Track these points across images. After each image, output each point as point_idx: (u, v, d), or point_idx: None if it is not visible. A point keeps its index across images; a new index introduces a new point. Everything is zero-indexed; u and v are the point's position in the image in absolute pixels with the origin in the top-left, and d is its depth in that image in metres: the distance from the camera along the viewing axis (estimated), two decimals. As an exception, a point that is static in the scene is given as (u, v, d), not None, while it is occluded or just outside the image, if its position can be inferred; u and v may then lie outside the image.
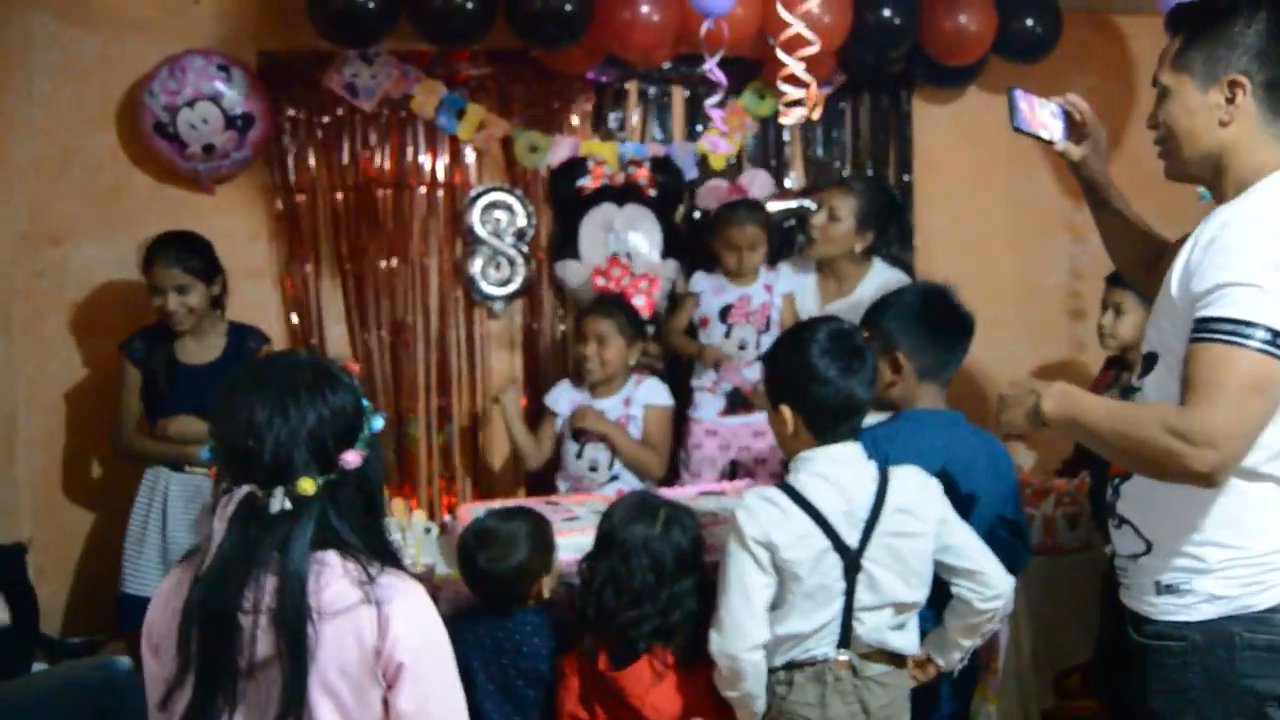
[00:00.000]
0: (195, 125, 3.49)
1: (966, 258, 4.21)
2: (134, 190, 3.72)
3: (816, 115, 2.72)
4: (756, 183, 3.75)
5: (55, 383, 3.69)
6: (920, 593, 2.16)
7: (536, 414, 3.69)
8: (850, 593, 2.09)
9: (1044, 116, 2.18)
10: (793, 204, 3.99)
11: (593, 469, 3.40)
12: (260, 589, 1.54)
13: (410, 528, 2.73)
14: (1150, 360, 1.96)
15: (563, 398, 3.52)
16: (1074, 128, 2.20)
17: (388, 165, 3.84)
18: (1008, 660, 2.77)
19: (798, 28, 2.49)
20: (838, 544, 2.08)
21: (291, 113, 3.77)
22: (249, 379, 1.61)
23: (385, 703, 1.60)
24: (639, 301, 3.65)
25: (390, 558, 1.65)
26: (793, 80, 2.60)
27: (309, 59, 3.70)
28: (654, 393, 3.48)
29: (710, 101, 2.85)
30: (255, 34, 3.72)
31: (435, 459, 3.94)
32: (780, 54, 2.56)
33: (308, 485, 1.55)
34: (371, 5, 3.32)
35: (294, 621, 1.53)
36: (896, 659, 2.17)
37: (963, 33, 3.67)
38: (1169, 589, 1.89)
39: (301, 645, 1.54)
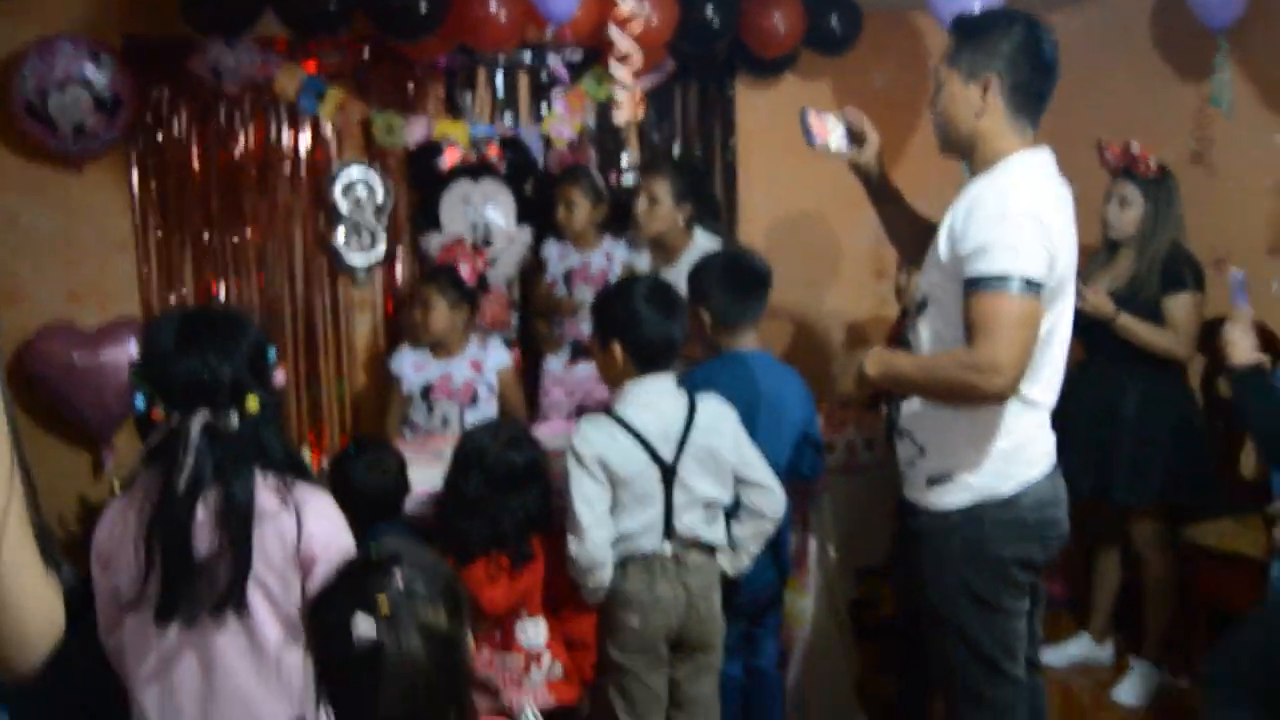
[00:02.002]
0: (65, 107, 3.66)
1: (785, 227, 4.70)
2: (2, 168, 3.84)
3: (640, 115, 3.12)
4: (586, 154, 4.21)
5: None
6: (725, 494, 2.61)
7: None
8: (669, 496, 2.53)
9: (830, 128, 2.58)
10: (630, 179, 4.40)
11: (445, 423, 3.73)
12: (207, 497, 1.88)
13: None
14: (923, 304, 2.40)
15: (406, 361, 3.79)
16: (853, 135, 2.62)
17: (252, 144, 4.08)
18: (816, 561, 3.26)
19: (625, 45, 2.90)
20: (656, 458, 2.52)
21: (158, 94, 3.96)
22: (182, 334, 1.91)
23: (303, 590, 1.94)
24: (463, 270, 3.90)
25: (301, 469, 2.01)
26: (621, 86, 3.03)
27: (173, 44, 3.89)
28: (500, 355, 3.80)
29: (555, 93, 3.22)
30: (119, 19, 3.89)
31: (305, 418, 4.22)
32: (611, 66, 2.97)
33: (254, 403, 1.90)
34: (238, -4, 3.57)
35: (241, 523, 1.88)
36: (709, 549, 2.62)
37: (775, 29, 4.13)
38: (936, 481, 2.36)
39: (247, 543, 1.88)
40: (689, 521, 2.56)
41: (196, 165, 4.05)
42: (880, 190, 2.66)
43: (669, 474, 2.54)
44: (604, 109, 4.33)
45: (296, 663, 1.95)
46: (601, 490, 2.49)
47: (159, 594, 1.89)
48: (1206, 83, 3.90)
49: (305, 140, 4.14)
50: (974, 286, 2.17)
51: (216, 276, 4.10)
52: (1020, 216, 2.17)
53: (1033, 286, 2.14)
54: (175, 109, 4.01)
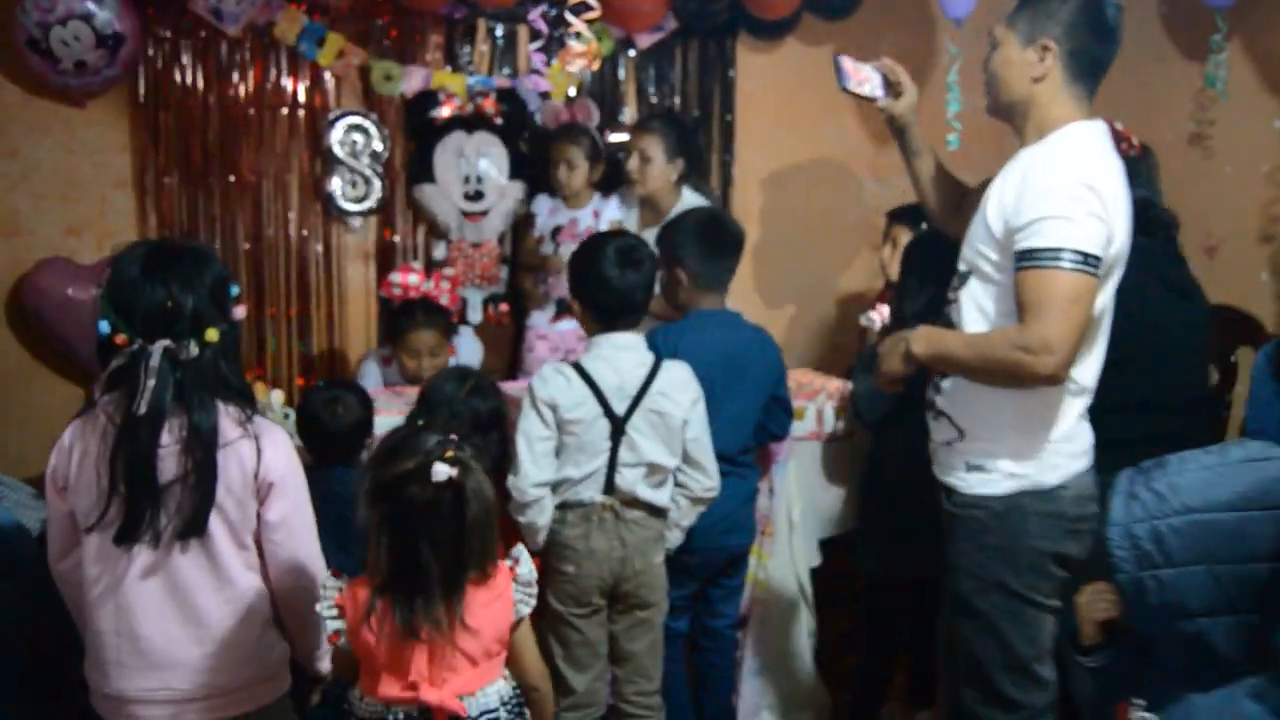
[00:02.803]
0: (67, 42, 3.68)
1: (781, 193, 4.69)
2: (4, 102, 3.89)
3: (595, 67, 3.12)
4: (585, 110, 4.17)
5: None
6: (672, 461, 2.66)
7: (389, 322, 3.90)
8: (614, 450, 2.59)
9: (866, 77, 2.54)
10: (626, 136, 4.40)
11: None
12: (170, 424, 1.95)
13: (270, 407, 3.10)
14: (964, 276, 2.32)
15: (380, 387, 3.60)
16: (890, 87, 2.57)
17: (251, 86, 4.11)
18: (779, 527, 3.30)
19: None
20: (607, 411, 2.58)
21: (161, 33, 3.99)
22: (147, 265, 1.98)
23: (258, 517, 2.04)
24: (443, 300, 3.69)
25: (252, 401, 2.08)
26: (578, 36, 3.04)
27: (177, -18, 3.93)
28: (472, 357, 3.74)
29: (533, 46, 3.23)
30: (124, -44, 3.93)
31: (295, 361, 4.29)
32: (568, 15, 2.98)
33: (214, 334, 1.98)
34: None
35: (205, 448, 1.96)
36: (653, 509, 2.67)
37: (775, -10, 4.12)
38: (977, 468, 2.28)
39: (212, 469, 1.96)
40: (630, 478, 2.62)
41: (196, 105, 4.08)
42: (913, 145, 2.60)
43: (618, 429, 2.58)
44: (602, 63, 4.30)
45: (250, 582, 2.07)
46: (546, 432, 2.55)
47: (121, 517, 1.96)
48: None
49: (304, 85, 4.16)
50: (1026, 261, 2.10)
51: (212, 216, 4.14)
52: (1076, 187, 2.10)
53: (1089, 261, 2.07)
54: (177, 49, 4.04)
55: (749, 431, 2.95)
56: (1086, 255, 2.07)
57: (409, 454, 1.88)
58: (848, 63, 2.51)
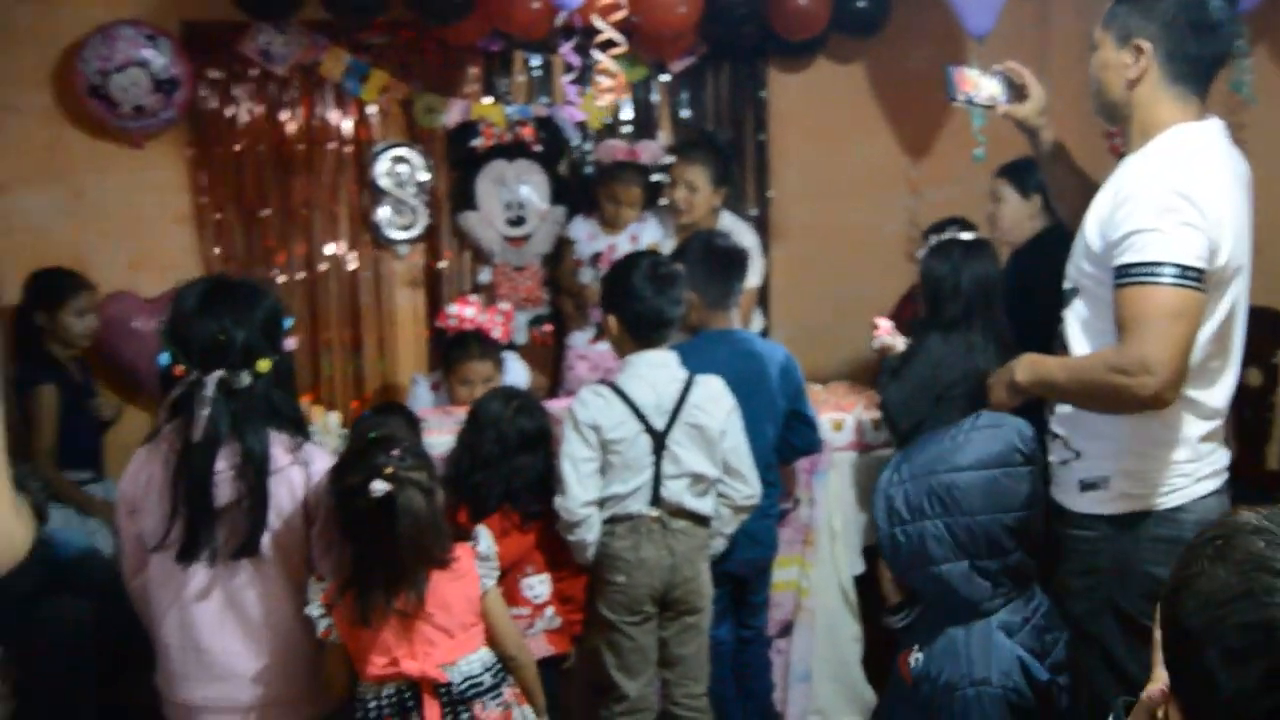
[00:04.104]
0: (126, 88, 3.88)
1: (817, 209, 4.76)
2: (68, 144, 4.10)
3: (625, 97, 3.23)
4: (647, 150, 4.27)
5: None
6: (713, 471, 2.74)
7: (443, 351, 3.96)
8: (657, 464, 2.68)
9: (982, 85, 2.45)
10: (665, 160, 4.50)
11: None
12: (226, 450, 2.08)
13: (326, 429, 3.23)
14: (1071, 294, 2.22)
15: (431, 408, 3.66)
16: (1015, 90, 2.45)
17: (300, 123, 4.27)
18: (821, 536, 3.36)
19: (608, 32, 3.03)
20: (648, 427, 2.67)
21: (213, 75, 4.17)
22: (203, 301, 2.12)
23: (308, 536, 2.16)
24: (496, 334, 3.70)
25: (304, 429, 2.20)
26: (605, 72, 3.16)
27: (227, 28, 4.10)
28: (517, 378, 3.81)
29: (566, 79, 3.36)
30: (177, 4, 4.10)
31: (349, 384, 4.43)
32: (595, 53, 3.10)
33: (265, 365, 2.11)
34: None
35: (258, 474, 2.09)
36: (697, 518, 2.76)
37: (803, 12, 4.18)
38: (1091, 486, 2.15)
39: (263, 492, 2.10)
40: (675, 489, 2.70)
41: (248, 143, 4.25)
42: (1042, 149, 2.49)
43: (659, 443, 2.68)
44: (636, 89, 4.43)
45: (294, 599, 2.18)
46: (590, 453, 2.65)
47: (182, 537, 2.10)
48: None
49: (350, 120, 4.32)
50: (1122, 277, 2.00)
51: (267, 247, 4.30)
52: (1169, 197, 2.00)
53: (1189, 275, 1.96)
54: (228, 90, 4.22)
55: (765, 448, 2.97)
56: (1185, 268, 1.96)
57: (357, 469, 2.06)
58: (957, 73, 2.42)
